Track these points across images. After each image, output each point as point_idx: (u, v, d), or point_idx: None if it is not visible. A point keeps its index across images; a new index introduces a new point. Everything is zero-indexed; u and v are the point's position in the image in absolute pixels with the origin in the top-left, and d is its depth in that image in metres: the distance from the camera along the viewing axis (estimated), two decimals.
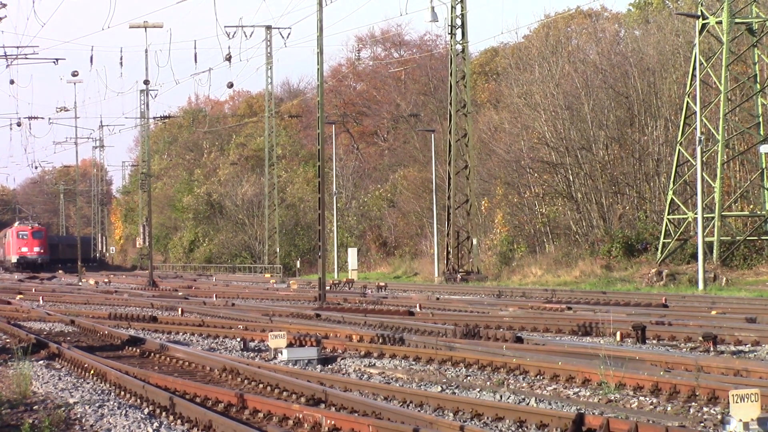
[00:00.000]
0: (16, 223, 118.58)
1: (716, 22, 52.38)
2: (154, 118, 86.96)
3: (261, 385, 17.96)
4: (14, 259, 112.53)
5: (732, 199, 55.13)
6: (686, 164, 53.94)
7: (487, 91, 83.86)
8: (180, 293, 50.55)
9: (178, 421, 14.88)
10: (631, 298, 39.69)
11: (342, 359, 21.77)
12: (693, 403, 15.52)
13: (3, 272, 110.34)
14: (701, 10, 51.66)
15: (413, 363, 20.93)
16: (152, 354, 23.65)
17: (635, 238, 57.39)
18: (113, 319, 33.78)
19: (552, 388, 17.34)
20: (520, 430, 14.07)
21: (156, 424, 14.66)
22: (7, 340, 27.63)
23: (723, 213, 52.50)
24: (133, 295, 48.95)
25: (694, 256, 49.22)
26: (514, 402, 15.99)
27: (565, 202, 64.80)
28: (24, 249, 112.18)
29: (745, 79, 55.05)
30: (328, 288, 44.99)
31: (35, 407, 16.45)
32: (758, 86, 53.69)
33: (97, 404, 16.39)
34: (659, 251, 53.98)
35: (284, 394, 17.03)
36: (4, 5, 41.88)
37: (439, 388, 17.41)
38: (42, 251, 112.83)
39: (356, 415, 14.54)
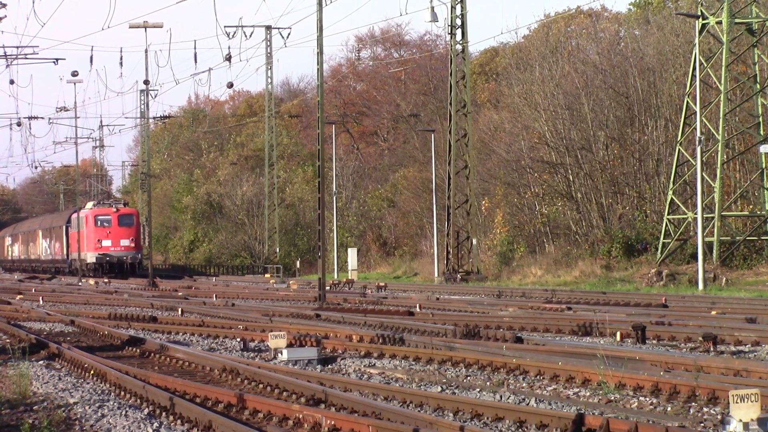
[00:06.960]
0: (90, 204, 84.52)
1: (716, 22, 52.37)
2: (154, 118, 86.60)
3: (261, 386, 17.95)
4: (91, 258, 79.35)
5: (732, 199, 55.11)
6: (686, 164, 53.93)
7: (487, 91, 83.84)
8: (180, 293, 50.55)
9: (178, 421, 14.88)
10: (630, 298, 39.67)
11: (342, 359, 21.76)
12: (693, 404, 15.52)
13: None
14: (701, 10, 51.64)
15: (413, 363, 20.92)
16: (152, 354, 23.65)
17: (635, 238, 57.37)
18: (113, 319, 33.78)
19: (552, 389, 17.34)
20: (520, 430, 14.07)
21: (156, 425, 14.66)
22: (7, 340, 27.61)
23: (723, 213, 52.48)
24: (133, 296, 48.93)
25: (694, 256, 49.21)
26: (514, 402, 15.99)
27: (565, 202, 64.78)
28: (106, 243, 79.18)
29: (745, 79, 55.03)
30: (327, 288, 44.96)
31: (35, 407, 16.45)
32: (758, 86, 53.67)
33: (97, 404, 16.39)
34: (659, 251, 53.97)
35: (284, 394, 17.03)
36: (4, 5, 41.80)
37: (439, 389, 17.41)
38: (133, 245, 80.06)
39: (356, 415, 14.54)
